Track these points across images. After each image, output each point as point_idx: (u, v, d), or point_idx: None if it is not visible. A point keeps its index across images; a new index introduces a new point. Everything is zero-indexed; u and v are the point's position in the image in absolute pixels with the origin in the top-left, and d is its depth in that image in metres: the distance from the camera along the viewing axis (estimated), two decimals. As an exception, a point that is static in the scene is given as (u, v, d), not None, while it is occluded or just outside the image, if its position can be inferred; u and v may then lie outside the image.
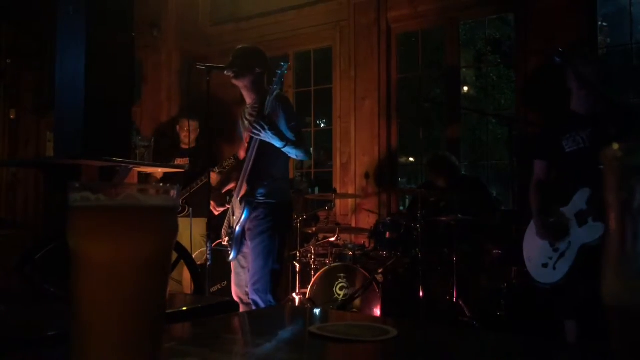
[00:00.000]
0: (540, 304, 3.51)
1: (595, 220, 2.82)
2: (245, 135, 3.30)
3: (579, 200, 2.89)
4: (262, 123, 3.02)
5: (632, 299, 0.26)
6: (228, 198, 3.42)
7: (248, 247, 3.21)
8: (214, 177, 4.51)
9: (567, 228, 2.91)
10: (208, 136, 4.67)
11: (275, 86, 3.07)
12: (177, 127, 5.19)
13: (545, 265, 2.97)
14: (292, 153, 3.15)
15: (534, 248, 3.08)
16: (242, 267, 3.27)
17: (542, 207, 3.06)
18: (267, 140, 3.06)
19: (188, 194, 4.67)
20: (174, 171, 4.43)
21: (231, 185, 3.46)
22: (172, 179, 4.66)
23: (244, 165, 3.21)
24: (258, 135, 3.05)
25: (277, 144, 3.08)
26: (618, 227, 0.28)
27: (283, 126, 3.13)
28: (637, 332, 0.26)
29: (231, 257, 3.21)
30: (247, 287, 3.21)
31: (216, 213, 3.39)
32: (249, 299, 3.17)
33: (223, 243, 3.32)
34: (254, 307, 3.08)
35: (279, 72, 3.09)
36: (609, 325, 0.28)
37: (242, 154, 3.44)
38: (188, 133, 5.01)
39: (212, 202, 3.34)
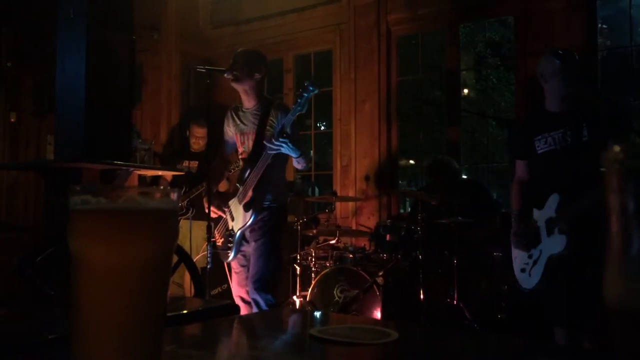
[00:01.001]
0: (540, 307, 3.50)
1: (560, 232, 2.68)
2: (242, 139, 3.33)
3: (550, 206, 2.77)
4: (283, 139, 3.05)
5: (634, 302, 0.26)
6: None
7: (249, 247, 3.28)
8: (225, 185, 4.55)
9: (537, 236, 2.80)
10: (212, 139, 4.67)
11: (299, 107, 3.06)
12: (187, 132, 5.25)
13: (523, 270, 2.89)
14: (301, 162, 3.24)
15: (515, 250, 3.00)
16: (243, 266, 3.34)
17: (522, 210, 2.95)
18: (286, 153, 3.13)
19: (193, 195, 4.70)
20: (176, 174, 4.44)
21: (222, 183, 3.53)
22: (181, 182, 4.69)
23: (245, 171, 3.24)
24: (278, 150, 3.09)
25: (294, 154, 3.16)
26: (620, 230, 0.28)
27: None
28: (639, 334, 0.26)
29: (230, 257, 3.29)
30: (247, 286, 3.26)
31: (214, 216, 3.41)
32: (249, 297, 3.23)
33: (217, 244, 3.36)
34: (254, 306, 3.15)
35: (306, 94, 3.07)
36: (611, 328, 0.28)
37: (229, 156, 3.55)
38: (197, 139, 5.13)
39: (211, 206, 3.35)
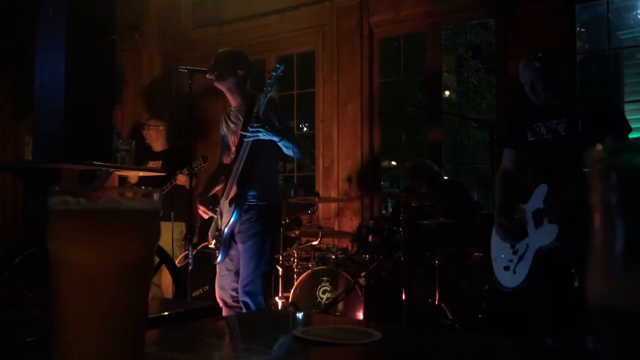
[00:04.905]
0: (521, 307, 3.53)
1: (551, 222, 2.56)
2: (233, 139, 3.29)
3: (537, 198, 2.66)
4: (259, 125, 3.00)
5: (616, 300, 0.27)
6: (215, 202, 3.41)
7: (236, 250, 3.20)
8: (183, 179, 4.51)
9: (524, 228, 2.68)
10: (184, 139, 4.65)
11: (269, 88, 3.04)
12: (143, 130, 5.17)
13: (506, 268, 2.76)
14: (289, 147, 3.14)
15: (497, 248, 2.88)
16: (228, 270, 3.24)
17: (504, 203, 2.83)
18: (266, 138, 3.05)
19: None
20: (156, 175, 4.40)
21: (218, 188, 3.45)
22: (148, 182, 4.63)
23: (232, 167, 3.18)
24: (256, 136, 3.03)
25: (275, 138, 3.08)
26: (602, 228, 0.28)
27: None
28: (623, 332, 0.27)
29: (218, 259, 3.19)
30: (232, 290, 3.20)
31: (205, 217, 3.37)
32: (234, 302, 3.17)
33: (210, 246, 3.30)
34: (244, 309, 3.07)
35: (274, 73, 3.06)
36: (594, 326, 0.28)
37: (227, 159, 3.42)
38: (148, 129, 5.08)
39: (201, 207, 3.31)
